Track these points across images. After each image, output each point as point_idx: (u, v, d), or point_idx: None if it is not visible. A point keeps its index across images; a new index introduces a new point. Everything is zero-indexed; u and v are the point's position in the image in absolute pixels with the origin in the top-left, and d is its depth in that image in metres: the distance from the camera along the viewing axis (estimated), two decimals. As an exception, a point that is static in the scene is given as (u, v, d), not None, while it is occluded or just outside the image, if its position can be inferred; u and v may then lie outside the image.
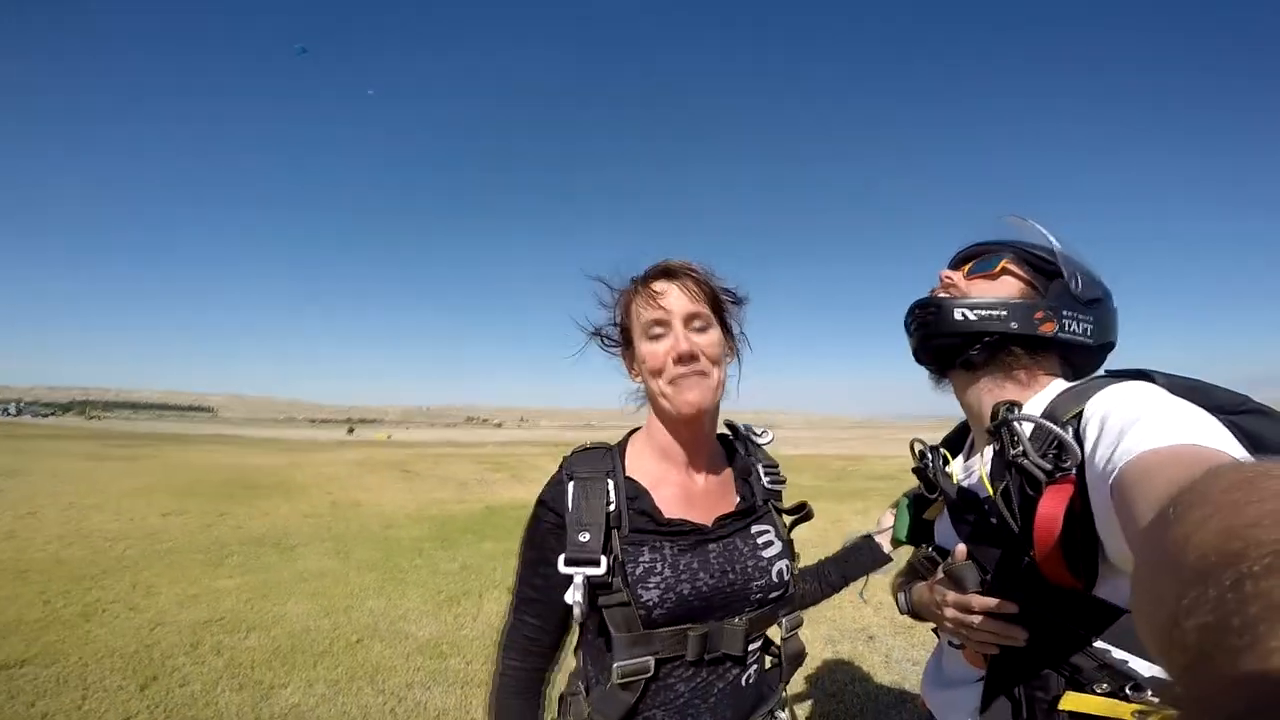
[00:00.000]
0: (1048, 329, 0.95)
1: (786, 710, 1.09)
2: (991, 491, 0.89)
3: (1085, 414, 0.79)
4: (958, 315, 0.98)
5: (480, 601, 4.80)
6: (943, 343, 1.01)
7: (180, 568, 5.63)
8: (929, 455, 1.10)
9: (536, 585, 1.00)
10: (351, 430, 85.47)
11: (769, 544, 1.04)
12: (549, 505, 0.98)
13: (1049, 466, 0.78)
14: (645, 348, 1.00)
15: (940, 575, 0.96)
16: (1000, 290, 1.00)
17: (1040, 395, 0.95)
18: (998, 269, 1.02)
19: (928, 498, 1.13)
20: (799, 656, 1.11)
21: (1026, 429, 0.84)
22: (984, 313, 0.97)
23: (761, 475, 1.11)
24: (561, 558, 0.92)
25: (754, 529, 1.04)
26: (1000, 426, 0.86)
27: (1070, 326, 0.96)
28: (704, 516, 1.01)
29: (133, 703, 2.95)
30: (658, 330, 1.00)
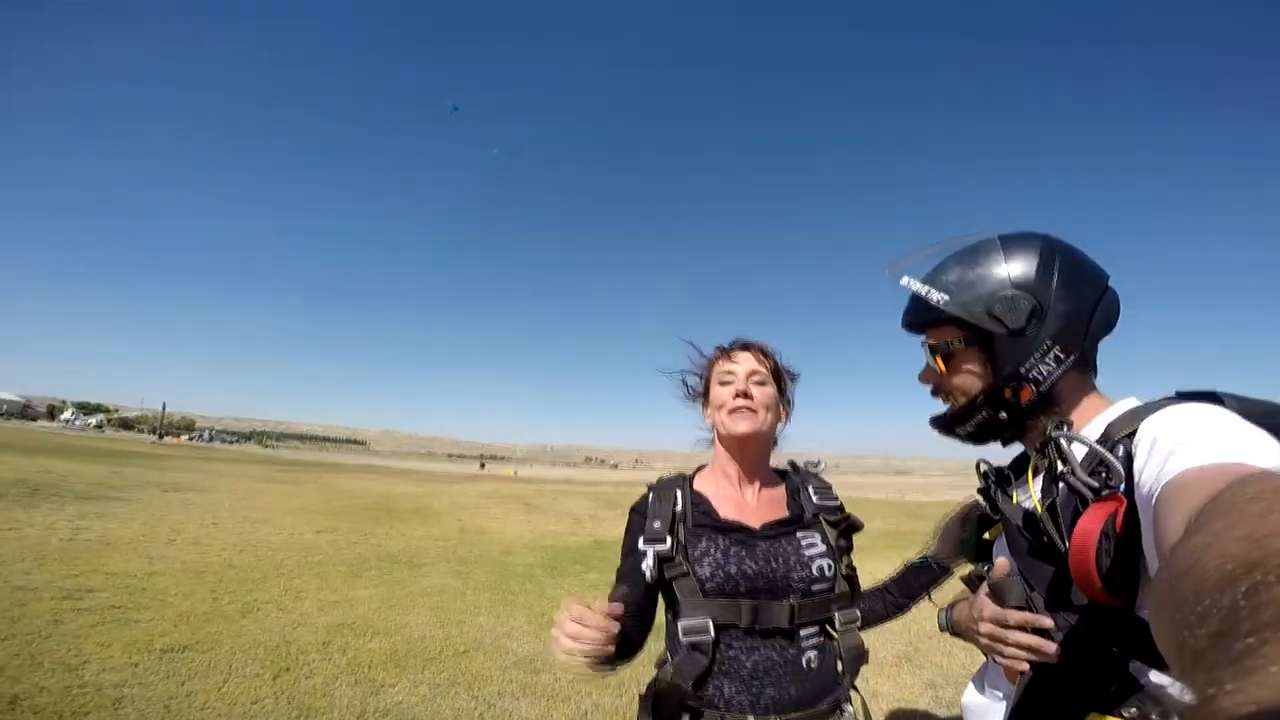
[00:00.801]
0: (1027, 396, 0.92)
1: (853, 706, 1.23)
2: (1040, 509, 0.87)
3: (1139, 433, 0.77)
4: (960, 432, 1.01)
5: (580, 625, 4.82)
6: (978, 441, 1.02)
7: (326, 577, 6.23)
8: (992, 476, 1.08)
9: (626, 565, 1.28)
10: (483, 465, 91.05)
11: (812, 545, 1.24)
12: (637, 508, 1.32)
13: (1096, 484, 0.77)
14: (715, 391, 1.33)
15: (985, 590, 0.94)
16: (966, 383, 0.98)
17: (1105, 414, 0.90)
18: (941, 366, 1.00)
19: (991, 518, 1.10)
20: (858, 652, 1.24)
21: (1078, 450, 0.83)
22: (976, 421, 0.97)
23: (812, 494, 1.34)
24: (640, 539, 1.24)
25: (800, 534, 1.25)
26: (1046, 445, 0.86)
27: (1042, 371, 0.91)
28: (755, 522, 1.25)
29: (264, 689, 3.27)
30: (728, 379, 1.32)
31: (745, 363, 1.32)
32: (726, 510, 1.27)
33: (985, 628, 0.90)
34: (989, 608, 0.90)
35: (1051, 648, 0.80)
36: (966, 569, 1.18)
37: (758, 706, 1.14)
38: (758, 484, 1.33)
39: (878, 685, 3.65)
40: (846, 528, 1.33)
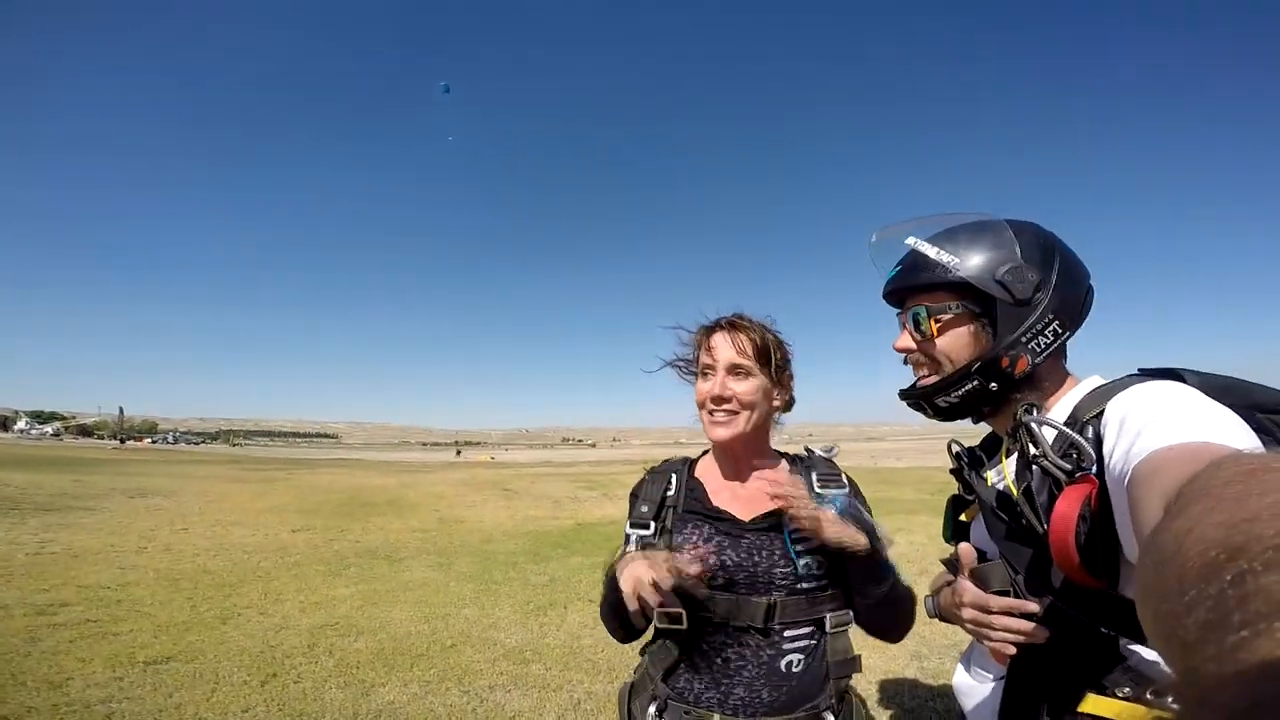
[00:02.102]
0: (1023, 366, 0.93)
1: (835, 715, 1.14)
2: (1016, 492, 0.88)
3: (1106, 414, 0.79)
4: (942, 403, 1.00)
5: (565, 613, 4.95)
6: (955, 415, 1.02)
7: (304, 578, 6.19)
8: (964, 457, 1.09)
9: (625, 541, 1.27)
10: (459, 452, 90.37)
11: (801, 540, 1.15)
12: (635, 491, 1.31)
13: (1069, 466, 0.78)
14: (697, 384, 1.26)
15: (965, 575, 0.96)
16: (956, 350, 0.97)
17: (1071, 394, 0.93)
18: (933, 326, 0.98)
19: (965, 499, 1.11)
20: (845, 658, 1.17)
21: (1048, 433, 0.84)
22: (964, 390, 0.96)
23: (814, 482, 1.23)
24: (628, 523, 1.25)
25: (791, 528, 1.16)
26: (1018, 429, 0.87)
27: (1040, 343, 0.92)
28: (745, 513, 1.20)
29: (253, 696, 3.29)
30: (706, 372, 1.24)
31: (724, 353, 1.21)
32: (720, 498, 1.23)
33: (968, 613, 0.92)
34: (969, 593, 0.92)
35: (1042, 632, 0.83)
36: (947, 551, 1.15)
37: (726, 706, 1.11)
38: (754, 473, 1.25)
39: (865, 658, 3.74)
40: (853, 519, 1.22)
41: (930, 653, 3.86)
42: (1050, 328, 0.91)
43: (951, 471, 1.12)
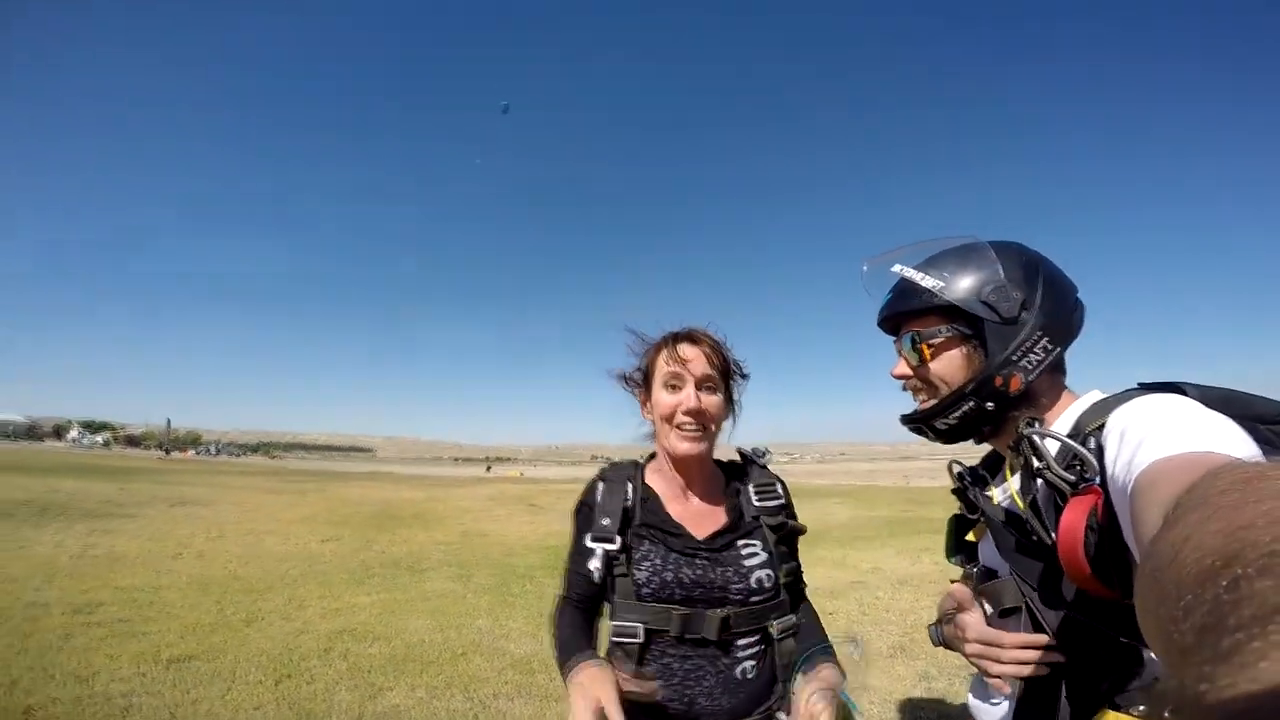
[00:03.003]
0: (1017, 384, 0.93)
1: (788, 713, 1.15)
2: (1022, 506, 0.88)
3: (1108, 426, 0.78)
4: (941, 425, 1.00)
5: (576, 624, 4.93)
6: (955, 437, 1.02)
7: (329, 585, 6.34)
8: (967, 477, 1.08)
9: (574, 563, 1.27)
10: (489, 468, 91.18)
11: (753, 554, 1.22)
12: (585, 500, 1.29)
13: (1072, 478, 0.78)
14: (661, 395, 1.25)
15: (967, 610, 0.98)
16: (950, 373, 0.98)
17: (1072, 408, 0.93)
18: (926, 351, 1.00)
19: (968, 519, 1.09)
20: (790, 660, 1.20)
21: (1051, 446, 0.84)
22: (961, 411, 0.97)
23: (752, 496, 1.30)
24: (589, 536, 1.22)
25: (740, 543, 1.23)
26: (1020, 442, 0.86)
27: (1031, 360, 0.92)
28: (698, 530, 1.23)
29: (266, 695, 3.39)
30: (675, 384, 1.23)
31: (697, 364, 1.22)
32: (674, 510, 1.25)
33: (972, 648, 0.93)
34: (972, 628, 0.93)
35: (1043, 668, 0.84)
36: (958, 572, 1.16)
37: (690, 715, 1.14)
38: (699, 488, 1.30)
39: (872, 678, 3.74)
40: (788, 533, 1.28)
41: (939, 674, 3.77)
42: (1040, 344, 0.92)
43: (954, 491, 1.10)
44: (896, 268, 1.02)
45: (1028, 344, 0.92)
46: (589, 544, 1.22)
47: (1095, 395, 0.93)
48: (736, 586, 1.18)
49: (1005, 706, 0.96)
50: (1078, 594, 0.81)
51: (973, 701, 1.07)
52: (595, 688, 1.00)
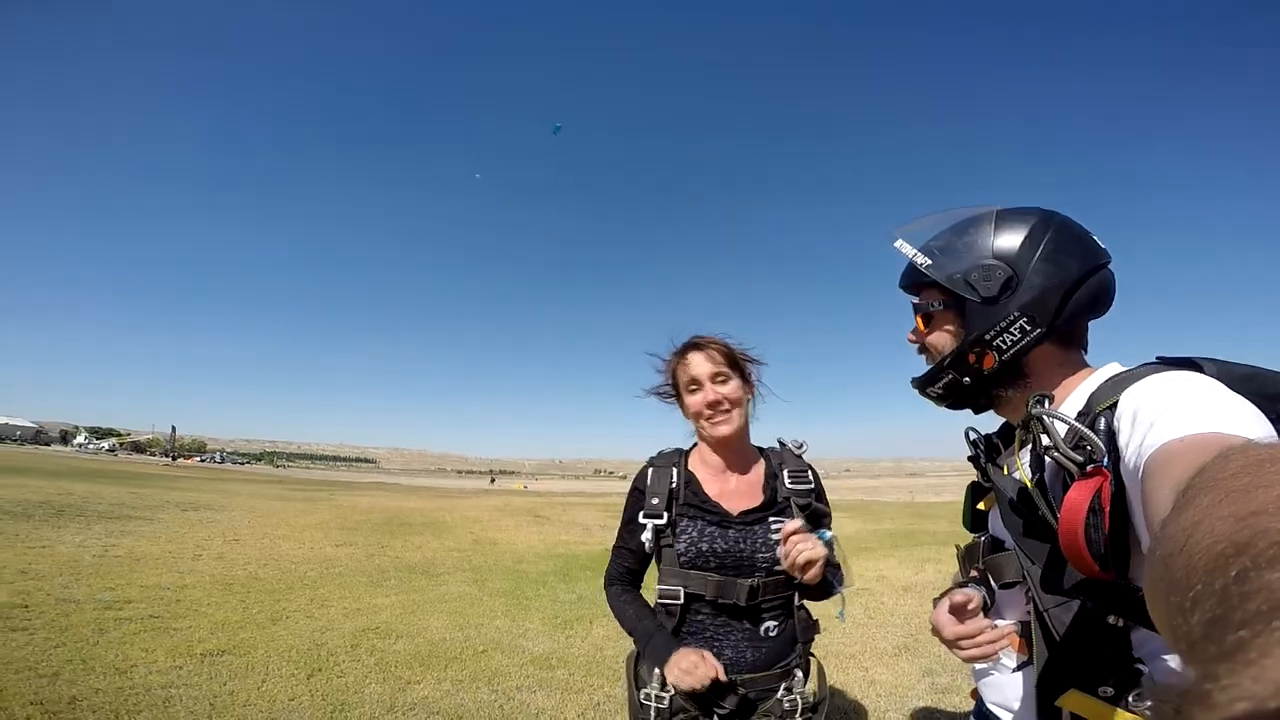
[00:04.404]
0: (989, 363, 0.94)
1: (803, 672, 1.41)
2: (1029, 484, 0.86)
3: (1120, 405, 0.76)
4: (931, 393, 1.04)
5: (590, 627, 5.10)
6: (950, 404, 1.05)
7: (348, 587, 6.47)
8: (981, 444, 1.08)
9: (623, 537, 1.52)
10: (493, 480, 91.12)
11: (780, 530, 1.35)
12: (637, 485, 1.52)
13: (1080, 459, 0.76)
14: (686, 399, 1.48)
15: (947, 601, 1.03)
16: (942, 343, 1.01)
17: (1087, 383, 0.91)
18: (921, 325, 1.04)
19: (984, 486, 1.08)
20: (808, 623, 1.46)
21: (1060, 426, 0.81)
22: (944, 383, 1.00)
23: (786, 479, 1.48)
24: (641, 513, 1.45)
25: (771, 519, 1.42)
26: (1028, 421, 0.84)
27: (1005, 340, 0.92)
28: (732, 507, 1.43)
29: (299, 687, 3.52)
30: (693, 387, 1.46)
31: (702, 366, 1.44)
32: (712, 490, 1.44)
33: (948, 636, 0.99)
34: (946, 629, 0.99)
35: (1002, 645, 0.92)
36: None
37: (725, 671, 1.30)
38: (738, 469, 1.49)
39: (877, 674, 3.85)
40: (813, 513, 1.45)
41: (943, 670, 3.89)
42: (1017, 324, 0.91)
43: (969, 458, 1.10)
44: (898, 243, 1.03)
45: (1003, 324, 0.91)
46: (641, 520, 1.44)
47: (1112, 369, 0.90)
48: (763, 557, 1.37)
49: (1009, 678, 0.98)
50: (1074, 573, 0.80)
51: (976, 675, 1.10)
52: (700, 673, 1.23)
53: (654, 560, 1.48)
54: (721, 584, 1.35)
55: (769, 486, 1.47)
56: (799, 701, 1.37)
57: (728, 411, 1.43)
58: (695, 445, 1.56)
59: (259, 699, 3.33)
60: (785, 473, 1.48)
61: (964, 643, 0.98)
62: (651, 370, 1.59)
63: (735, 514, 1.41)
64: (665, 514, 1.42)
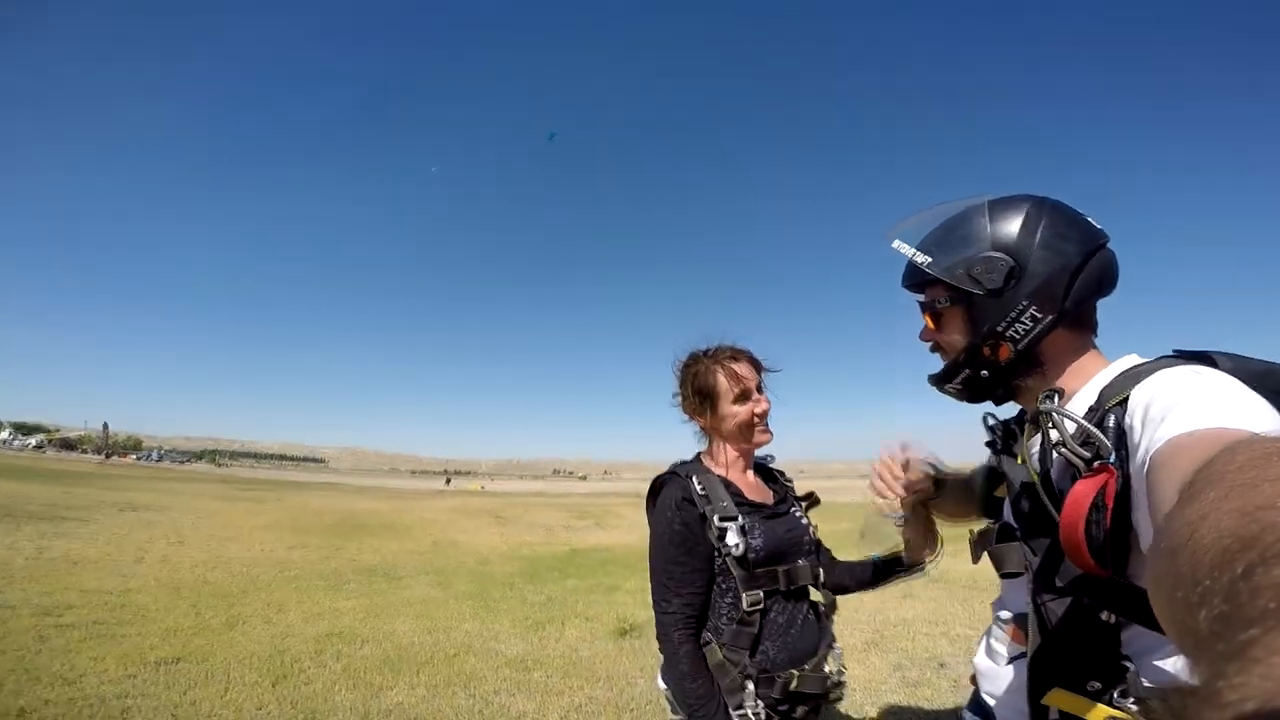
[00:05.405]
0: (1005, 354, 0.94)
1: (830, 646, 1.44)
2: (1035, 478, 0.87)
3: (1131, 401, 0.75)
4: (950, 389, 1.04)
5: (563, 628, 5.04)
6: (970, 398, 1.04)
7: (305, 591, 6.24)
8: (998, 430, 1.07)
9: (684, 563, 1.32)
10: (449, 480, 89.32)
11: (802, 517, 1.53)
12: (686, 498, 1.35)
13: (1088, 455, 0.76)
14: (733, 408, 1.43)
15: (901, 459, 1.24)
16: (955, 339, 1.00)
17: (1100, 375, 0.90)
18: (931, 324, 1.04)
19: (1000, 473, 1.08)
20: (831, 599, 1.51)
21: (1069, 425, 0.81)
22: (962, 377, 1.00)
23: (778, 478, 1.60)
24: (716, 517, 1.30)
25: (792, 509, 1.53)
26: (1038, 416, 0.85)
27: (1018, 330, 0.92)
28: (765, 501, 1.47)
29: (266, 695, 3.37)
30: (743, 397, 1.44)
31: (751, 376, 1.46)
32: (747, 491, 1.43)
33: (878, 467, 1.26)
34: (883, 458, 1.25)
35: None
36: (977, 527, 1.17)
37: (794, 660, 1.33)
38: (753, 470, 1.53)
39: (849, 669, 3.85)
40: (812, 502, 1.62)
41: (911, 664, 3.99)
42: (1027, 314, 0.90)
43: (986, 444, 1.10)
44: (896, 243, 1.02)
45: (1013, 314, 0.91)
46: (719, 524, 1.30)
47: (1128, 361, 0.89)
48: (805, 538, 1.46)
49: (1007, 668, 0.98)
50: (1072, 567, 0.80)
51: (978, 663, 1.09)
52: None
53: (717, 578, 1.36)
54: (790, 572, 1.37)
55: (775, 484, 1.57)
56: (842, 669, 1.43)
57: (767, 424, 1.49)
58: (699, 456, 1.53)
59: (224, 708, 3.19)
60: (779, 474, 1.62)
61: (882, 473, 1.23)
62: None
63: (771, 505, 1.46)
64: (740, 516, 1.32)
